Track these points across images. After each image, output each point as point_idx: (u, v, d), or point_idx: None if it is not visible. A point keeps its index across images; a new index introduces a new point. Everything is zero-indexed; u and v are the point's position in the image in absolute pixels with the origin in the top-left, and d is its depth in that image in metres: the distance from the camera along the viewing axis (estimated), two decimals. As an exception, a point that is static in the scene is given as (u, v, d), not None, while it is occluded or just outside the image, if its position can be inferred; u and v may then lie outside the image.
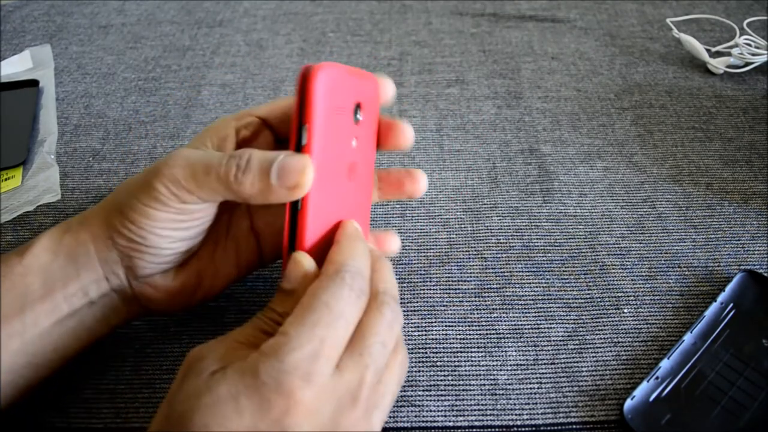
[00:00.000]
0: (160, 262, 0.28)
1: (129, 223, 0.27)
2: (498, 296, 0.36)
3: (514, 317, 0.35)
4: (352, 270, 0.26)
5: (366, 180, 0.32)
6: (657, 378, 0.31)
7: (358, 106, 0.29)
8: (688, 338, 0.33)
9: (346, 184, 0.29)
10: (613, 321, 0.35)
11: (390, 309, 0.26)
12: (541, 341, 0.34)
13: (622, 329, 0.34)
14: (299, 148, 0.26)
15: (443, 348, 0.34)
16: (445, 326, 0.35)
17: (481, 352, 0.33)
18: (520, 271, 0.38)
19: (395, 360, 0.27)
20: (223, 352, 0.24)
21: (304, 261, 0.26)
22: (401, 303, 0.36)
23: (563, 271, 0.38)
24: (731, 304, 0.34)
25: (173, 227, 0.27)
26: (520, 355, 0.33)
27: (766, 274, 0.36)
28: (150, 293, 0.29)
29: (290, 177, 0.25)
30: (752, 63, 0.53)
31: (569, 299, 0.36)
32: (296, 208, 0.26)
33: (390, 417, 0.31)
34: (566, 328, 0.35)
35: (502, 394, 0.32)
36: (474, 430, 0.30)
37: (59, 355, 0.28)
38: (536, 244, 0.39)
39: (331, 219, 0.29)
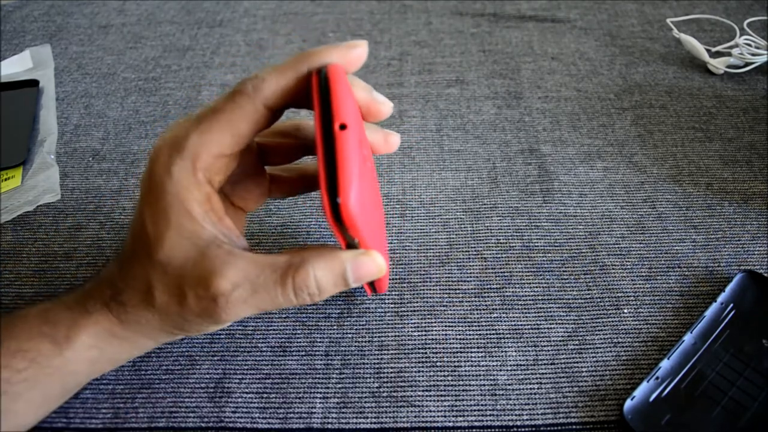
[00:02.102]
0: None
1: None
2: (498, 296, 0.36)
3: (514, 317, 0.35)
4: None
5: (370, 158, 0.30)
6: (657, 378, 0.31)
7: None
8: (688, 338, 0.33)
9: (370, 185, 0.28)
10: (613, 321, 0.35)
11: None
12: (541, 341, 0.34)
13: (622, 329, 0.34)
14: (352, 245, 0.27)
15: (443, 348, 0.34)
16: (445, 326, 0.35)
17: (481, 352, 0.33)
18: (520, 271, 0.38)
19: None
20: None
21: None
22: (402, 303, 0.36)
23: (563, 271, 0.38)
24: (731, 305, 0.34)
25: None
26: (520, 356, 0.33)
27: (766, 274, 0.36)
28: None
29: (370, 277, 0.27)
30: (752, 63, 0.53)
31: (569, 299, 0.36)
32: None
33: (390, 417, 0.31)
34: (566, 328, 0.35)
35: (502, 395, 0.32)
36: (474, 430, 0.30)
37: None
38: (536, 244, 0.39)
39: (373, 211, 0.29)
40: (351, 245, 0.27)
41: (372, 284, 0.31)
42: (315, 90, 0.25)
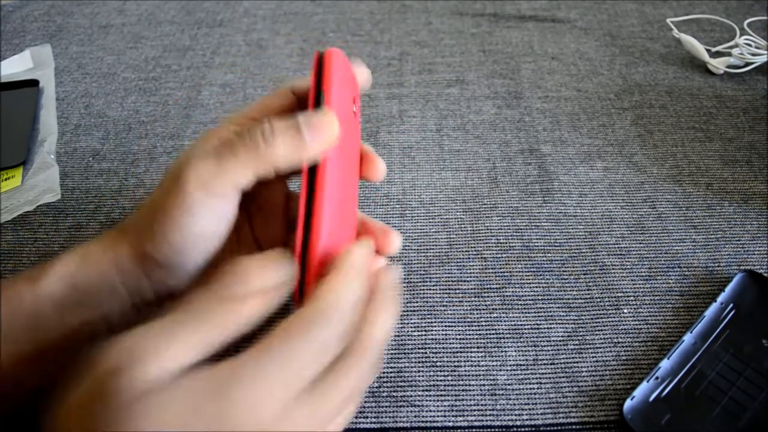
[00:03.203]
0: (195, 273, 0.28)
1: (163, 245, 0.26)
2: (498, 296, 0.36)
3: (514, 317, 0.35)
4: (335, 306, 0.23)
5: (355, 174, 0.31)
6: (657, 378, 0.31)
7: (353, 99, 0.29)
8: (688, 338, 0.33)
9: (347, 177, 0.29)
10: (613, 321, 0.35)
11: (367, 363, 0.24)
12: (541, 341, 0.34)
13: (622, 329, 0.34)
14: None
15: (443, 348, 0.34)
16: (445, 326, 0.35)
17: (481, 352, 0.33)
18: (520, 271, 0.38)
19: (343, 412, 0.25)
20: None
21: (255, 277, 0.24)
22: (402, 303, 0.36)
23: (563, 271, 0.38)
24: (731, 305, 0.34)
25: (207, 233, 0.27)
26: (520, 355, 0.33)
27: (766, 274, 0.36)
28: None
29: (321, 128, 0.25)
30: (752, 63, 0.53)
31: (569, 299, 0.36)
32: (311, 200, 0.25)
33: (390, 417, 0.31)
34: (566, 328, 0.35)
35: (502, 395, 0.32)
36: (474, 430, 0.30)
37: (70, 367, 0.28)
38: (536, 244, 0.39)
39: (340, 214, 0.27)
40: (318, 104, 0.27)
41: (301, 290, 0.27)
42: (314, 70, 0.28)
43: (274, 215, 0.32)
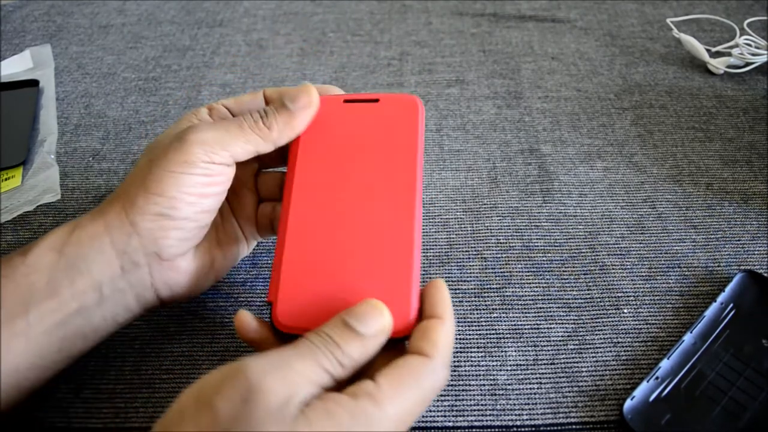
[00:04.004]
0: (185, 238, 0.29)
1: (156, 197, 0.28)
2: (498, 296, 0.36)
3: (514, 317, 0.35)
4: (449, 358, 0.26)
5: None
6: (657, 378, 0.31)
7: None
8: (688, 338, 0.33)
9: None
10: (613, 321, 0.35)
11: None
12: (540, 341, 0.34)
13: (622, 329, 0.34)
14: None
15: (443, 348, 0.34)
16: (445, 326, 0.35)
17: (481, 352, 0.33)
18: (520, 271, 0.38)
19: None
20: (291, 386, 0.23)
21: (386, 315, 0.26)
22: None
23: (563, 271, 0.38)
24: (731, 305, 0.34)
25: (200, 192, 0.29)
26: (519, 355, 0.33)
27: (766, 274, 0.36)
28: (172, 278, 0.30)
29: (301, 98, 0.30)
30: (752, 63, 0.53)
31: (569, 299, 0.36)
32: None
33: (390, 417, 0.31)
34: (566, 328, 0.35)
35: (502, 395, 0.32)
36: (474, 430, 0.30)
37: (63, 355, 0.28)
38: (536, 244, 0.39)
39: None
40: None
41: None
42: None
43: (244, 191, 0.35)
